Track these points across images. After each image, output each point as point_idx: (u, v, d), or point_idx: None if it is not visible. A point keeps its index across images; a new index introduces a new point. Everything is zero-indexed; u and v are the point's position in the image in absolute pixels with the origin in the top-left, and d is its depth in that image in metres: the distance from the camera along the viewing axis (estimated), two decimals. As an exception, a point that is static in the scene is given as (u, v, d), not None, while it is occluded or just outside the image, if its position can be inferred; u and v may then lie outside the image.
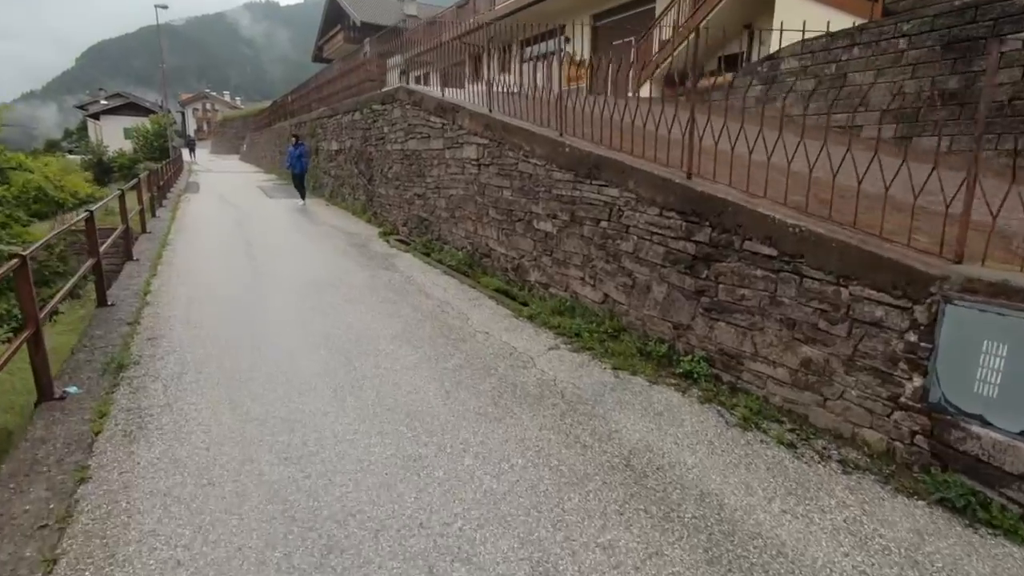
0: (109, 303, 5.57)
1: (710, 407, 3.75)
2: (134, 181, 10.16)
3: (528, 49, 9.61)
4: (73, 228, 4.89)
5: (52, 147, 64.16)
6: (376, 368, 4.29)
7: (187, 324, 5.15)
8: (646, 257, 4.75)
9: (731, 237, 4.01)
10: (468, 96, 8.31)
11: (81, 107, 61.47)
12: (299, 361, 4.39)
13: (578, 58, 7.89)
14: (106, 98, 56.87)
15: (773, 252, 3.73)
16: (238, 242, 9.31)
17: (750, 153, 4.10)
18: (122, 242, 7.58)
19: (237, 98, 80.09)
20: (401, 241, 9.54)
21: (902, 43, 7.36)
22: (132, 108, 52.04)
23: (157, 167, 17.79)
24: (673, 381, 4.13)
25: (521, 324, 5.41)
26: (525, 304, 6.06)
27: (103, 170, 37.41)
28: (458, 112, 7.94)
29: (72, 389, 3.72)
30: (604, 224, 5.22)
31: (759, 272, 3.83)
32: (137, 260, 7.52)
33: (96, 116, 52.83)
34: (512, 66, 8.61)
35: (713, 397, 3.86)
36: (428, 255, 8.47)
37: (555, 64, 6.56)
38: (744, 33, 13.34)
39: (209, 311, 5.54)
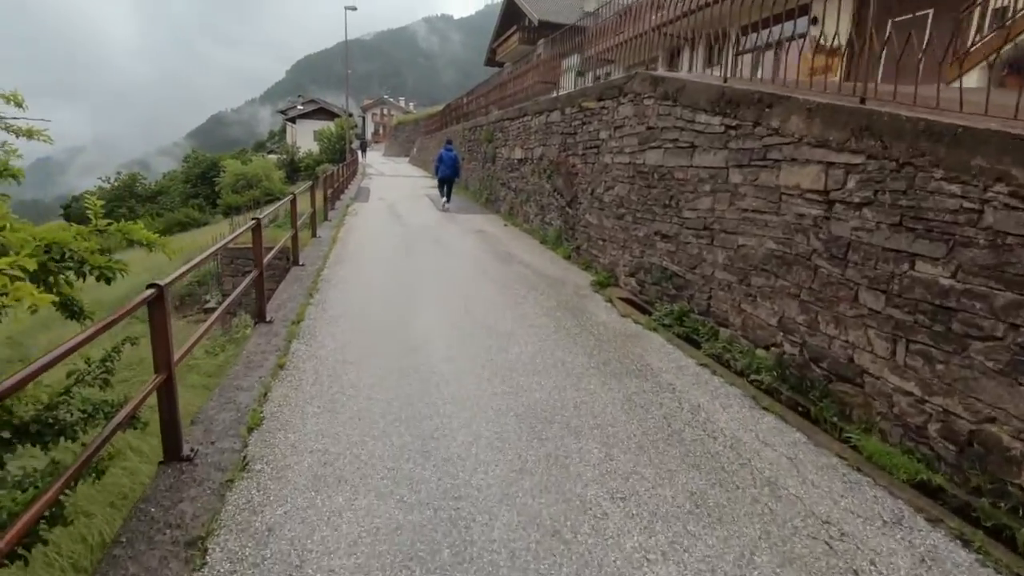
0: (184, 454, 2.98)
1: None
2: (288, 198, 8.12)
3: (748, 38, 6.08)
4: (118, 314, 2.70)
5: (260, 147, 72.70)
6: None
7: (304, 553, 2.33)
8: None
9: None
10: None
11: (282, 112, 68.44)
12: None
13: (830, 43, 4.57)
14: (302, 104, 62.45)
15: None
16: (407, 294, 6.65)
17: None
18: (253, 295, 5.29)
19: (411, 103, 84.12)
20: (630, 303, 6.28)
21: None
22: (322, 113, 56.08)
23: (332, 171, 16.75)
24: None
25: None
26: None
27: (293, 169, 40.30)
28: (771, 107, 4.48)
29: None
30: None
31: None
32: (270, 322, 5.15)
33: (293, 120, 58.02)
34: (724, 59, 5.88)
35: None
36: (695, 343, 5.09)
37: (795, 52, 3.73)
38: None
39: (351, 512, 2.68)
